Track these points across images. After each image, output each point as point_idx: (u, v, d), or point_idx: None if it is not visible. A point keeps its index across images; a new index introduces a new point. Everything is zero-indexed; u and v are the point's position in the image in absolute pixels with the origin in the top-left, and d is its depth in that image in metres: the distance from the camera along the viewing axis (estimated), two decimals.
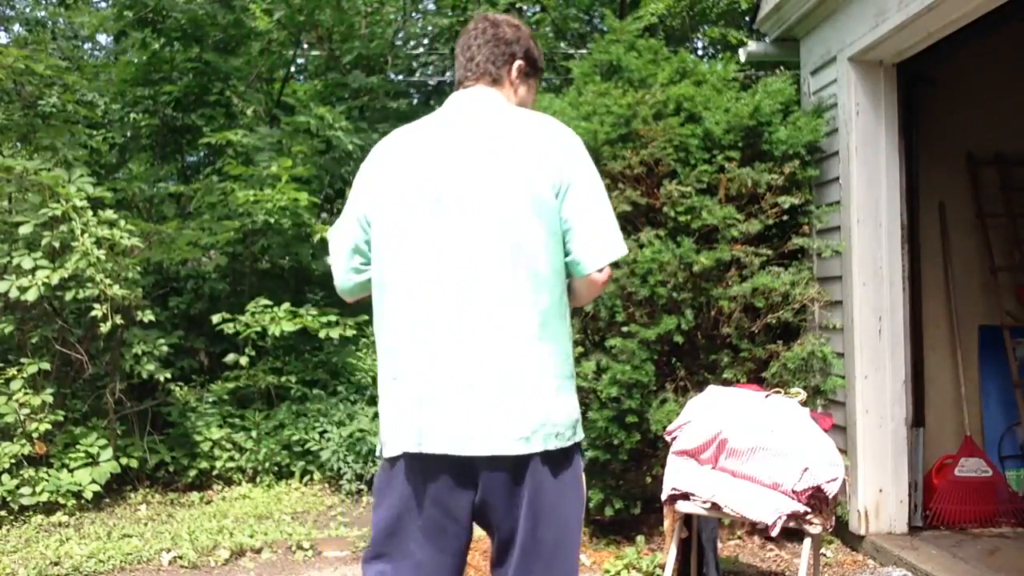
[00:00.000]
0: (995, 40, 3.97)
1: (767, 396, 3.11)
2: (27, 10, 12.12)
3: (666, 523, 3.16)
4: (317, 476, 5.61)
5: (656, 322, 3.86)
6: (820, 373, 3.98)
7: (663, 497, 3.07)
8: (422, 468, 1.77)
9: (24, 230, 4.84)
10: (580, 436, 1.84)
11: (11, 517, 4.68)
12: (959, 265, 4.61)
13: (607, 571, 3.73)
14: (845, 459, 3.43)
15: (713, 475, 3.00)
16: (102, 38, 11.73)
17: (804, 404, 3.10)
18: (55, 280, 4.78)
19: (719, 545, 3.50)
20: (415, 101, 9.59)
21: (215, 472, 5.56)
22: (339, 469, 5.46)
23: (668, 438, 3.18)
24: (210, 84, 7.60)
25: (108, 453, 5.06)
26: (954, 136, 4.59)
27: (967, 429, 4.47)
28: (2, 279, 4.84)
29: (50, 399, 4.95)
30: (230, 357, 6.02)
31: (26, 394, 4.87)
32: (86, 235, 4.86)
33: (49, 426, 4.89)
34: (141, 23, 7.29)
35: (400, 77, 9.61)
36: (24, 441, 4.80)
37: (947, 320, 4.59)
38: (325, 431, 5.67)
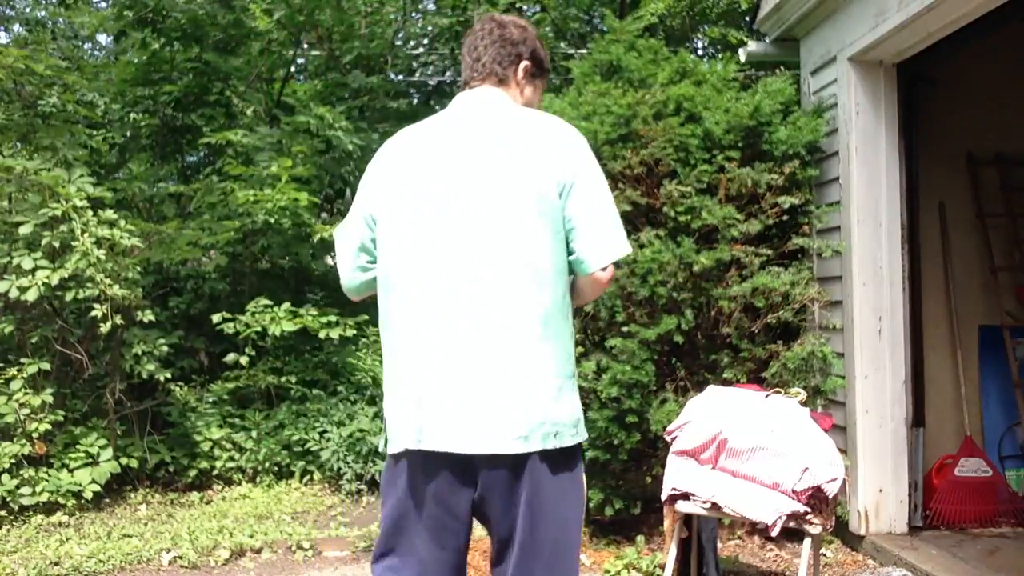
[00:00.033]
0: (995, 40, 3.98)
1: (767, 396, 3.11)
2: (27, 10, 12.13)
3: (666, 523, 3.16)
4: (317, 476, 5.61)
5: (656, 322, 3.86)
6: (820, 373, 3.98)
7: (663, 497, 3.07)
8: (423, 465, 1.79)
9: (24, 230, 4.84)
10: (583, 436, 1.84)
11: (11, 517, 4.68)
12: (959, 265, 4.61)
13: (607, 571, 3.73)
14: (845, 459, 3.43)
15: (713, 475, 3.00)
16: (102, 38, 11.74)
17: (804, 404, 3.10)
18: (55, 280, 4.78)
19: (719, 545, 3.50)
20: (415, 101, 9.59)
21: (215, 472, 5.55)
22: (339, 469, 5.46)
23: (668, 438, 3.18)
24: (210, 84, 7.60)
25: (108, 453, 5.06)
26: (954, 136, 4.59)
27: (967, 429, 4.47)
28: (2, 279, 4.84)
29: (50, 399, 4.95)
30: (230, 357, 6.02)
31: (26, 394, 4.87)
32: (86, 235, 4.86)
33: (49, 426, 4.89)
34: (141, 23, 7.29)
35: (400, 77, 9.61)
36: (24, 441, 4.80)
37: (947, 320, 4.59)
38: (325, 431, 5.67)
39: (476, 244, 1.76)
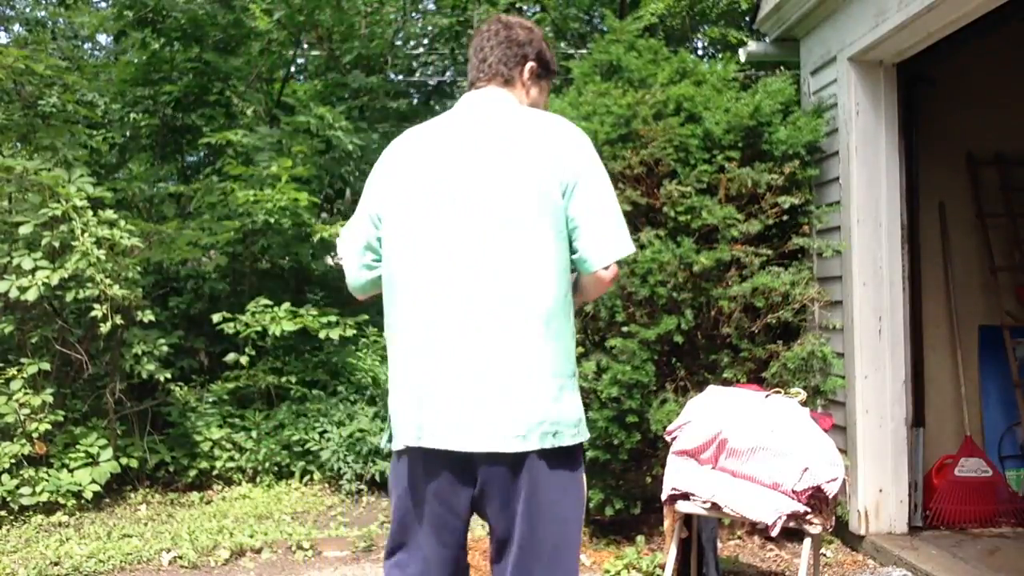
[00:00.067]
0: (995, 40, 3.98)
1: (767, 396, 3.11)
2: (27, 10, 12.14)
3: (666, 523, 3.16)
4: (317, 476, 5.61)
5: (656, 322, 3.86)
6: (820, 373, 3.98)
7: (663, 497, 3.07)
8: (424, 463, 1.81)
9: (24, 230, 4.84)
10: (584, 436, 1.84)
11: (11, 517, 4.68)
12: (959, 265, 4.61)
13: (607, 571, 3.73)
14: (845, 459, 3.43)
15: (713, 475, 3.00)
16: (102, 38, 11.75)
17: (804, 404, 3.10)
18: (55, 280, 4.78)
19: (719, 545, 3.50)
20: (415, 101, 9.60)
21: (215, 472, 5.55)
22: (339, 469, 5.46)
23: (668, 438, 3.18)
24: (210, 84, 7.60)
25: (108, 453, 5.06)
26: (954, 136, 4.59)
27: (967, 429, 4.47)
28: (2, 279, 4.84)
29: (50, 399, 4.95)
30: (230, 357, 6.02)
31: (26, 394, 4.87)
32: (86, 235, 4.86)
33: (49, 426, 4.89)
34: (141, 23, 7.29)
35: (400, 77, 9.61)
36: (24, 441, 4.80)
37: (947, 320, 4.59)
38: (325, 431, 5.67)
39: (478, 243, 1.77)
